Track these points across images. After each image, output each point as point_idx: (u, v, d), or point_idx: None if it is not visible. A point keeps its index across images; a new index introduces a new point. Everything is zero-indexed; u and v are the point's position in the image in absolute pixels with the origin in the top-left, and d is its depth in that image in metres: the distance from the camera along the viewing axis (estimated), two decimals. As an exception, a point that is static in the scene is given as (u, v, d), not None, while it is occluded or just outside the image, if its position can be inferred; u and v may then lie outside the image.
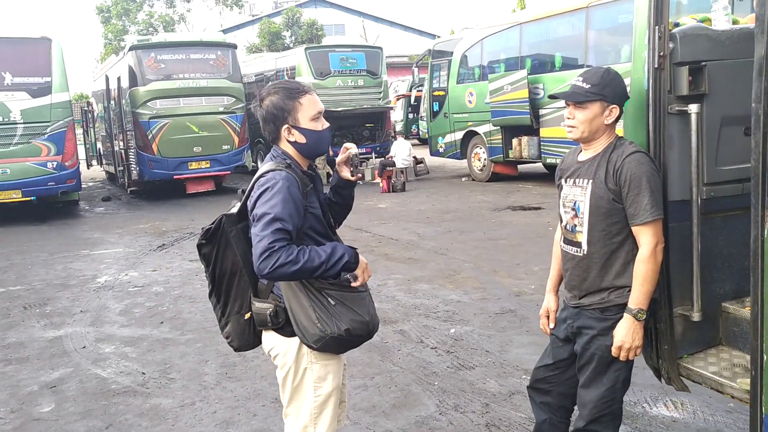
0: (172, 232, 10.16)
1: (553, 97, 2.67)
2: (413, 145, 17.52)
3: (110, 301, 6.40)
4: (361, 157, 2.52)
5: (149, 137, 13.45)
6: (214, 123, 13.97)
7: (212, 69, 14.13)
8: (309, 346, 2.25)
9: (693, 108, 2.37)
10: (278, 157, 2.31)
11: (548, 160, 12.23)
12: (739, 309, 2.55)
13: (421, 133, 24.19)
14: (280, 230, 2.12)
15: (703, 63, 2.40)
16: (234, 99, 14.25)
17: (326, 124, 2.34)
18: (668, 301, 2.48)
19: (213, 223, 2.34)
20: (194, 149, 13.80)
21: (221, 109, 14.07)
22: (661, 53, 2.35)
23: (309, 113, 2.29)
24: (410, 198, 12.42)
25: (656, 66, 2.37)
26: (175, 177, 13.88)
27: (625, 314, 2.33)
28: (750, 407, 2.01)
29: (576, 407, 2.59)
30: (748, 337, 2.37)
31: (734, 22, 2.67)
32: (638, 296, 2.31)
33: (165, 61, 13.71)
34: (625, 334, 2.32)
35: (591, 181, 2.39)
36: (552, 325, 2.70)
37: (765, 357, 1.91)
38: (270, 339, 2.34)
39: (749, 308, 2.30)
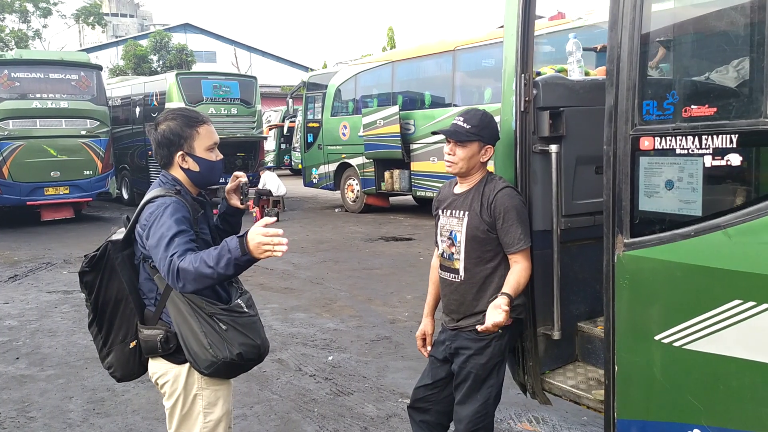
0: (26, 262, 9.41)
1: (436, 133, 2.87)
2: (286, 176, 17.51)
3: (-46, 338, 5.83)
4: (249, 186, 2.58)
5: (-1, 160, 12.46)
6: (74, 147, 13.20)
7: (74, 90, 13.39)
8: (200, 372, 2.24)
9: (553, 148, 2.67)
10: (167, 183, 2.31)
11: (418, 193, 12.73)
12: (592, 328, 2.86)
13: (293, 163, 24.21)
14: (184, 243, 2.09)
15: (561, 108, 2.72)
16: (98, 122, 13.56)
17: (220, 156, 2.39)
18: (533, 321, 2.74)
19: (98, 250, 2.28)
20: (51, 174, 12.93)
21: (83, 133, 13.32)
22: (527, 98, 2.64)
23: (205, 143, 2.32)
24: (284, 227, 12.04)
25: (522, 110, 2.65)
26: (28, 203, 12.92)
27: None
28: (604, 413, 2.27)
29: (452, 424, 2.76)
30: (600, 354, 2.67)
31: (586, 74, 3.04)
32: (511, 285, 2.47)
33: (20, 79, 12.84)
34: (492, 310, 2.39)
35: (467, 212, 2.60)
36: (429, 348, 2.87)
37: (617, 368, 2.18)
38: (157, 366, 2.30)
39: (601, 327, 2.60)
